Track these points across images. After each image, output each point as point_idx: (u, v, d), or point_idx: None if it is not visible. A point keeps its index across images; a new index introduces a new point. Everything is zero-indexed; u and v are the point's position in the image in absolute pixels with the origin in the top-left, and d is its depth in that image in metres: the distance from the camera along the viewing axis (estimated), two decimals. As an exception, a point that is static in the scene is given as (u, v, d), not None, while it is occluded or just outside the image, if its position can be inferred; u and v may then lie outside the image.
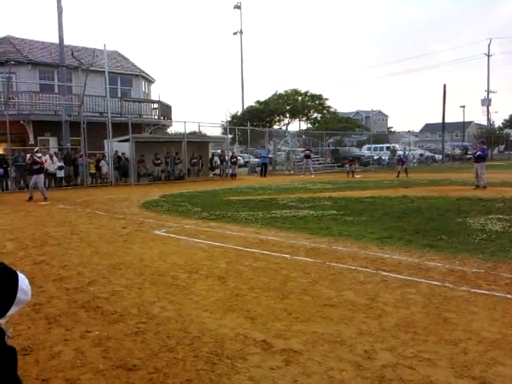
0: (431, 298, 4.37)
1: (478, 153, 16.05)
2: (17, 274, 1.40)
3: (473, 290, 4.56)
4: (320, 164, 33.15)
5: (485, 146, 16.92)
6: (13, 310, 1.40)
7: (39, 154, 15.38)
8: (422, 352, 3.23)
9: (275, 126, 43.90)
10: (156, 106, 29.51)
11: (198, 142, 26.72)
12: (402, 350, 3.28)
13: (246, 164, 34.45)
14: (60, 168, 20.31)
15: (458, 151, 49.60)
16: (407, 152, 36.13)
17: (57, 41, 22.65)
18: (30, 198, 14.63)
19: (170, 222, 9.58)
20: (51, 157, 20.38)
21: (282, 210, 10.66)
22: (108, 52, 23.76)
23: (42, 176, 15.12)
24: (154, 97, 31.96)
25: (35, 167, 14.88)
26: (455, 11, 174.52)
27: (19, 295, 1.39)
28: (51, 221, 10.15)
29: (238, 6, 44.10)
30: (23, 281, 1.42)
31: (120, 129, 22.48)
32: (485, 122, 62.12)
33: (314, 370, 3.01)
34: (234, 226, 8.83)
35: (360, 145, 44.33)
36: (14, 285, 1.37)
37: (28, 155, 16.59)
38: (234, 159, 27.06)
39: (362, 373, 2.95)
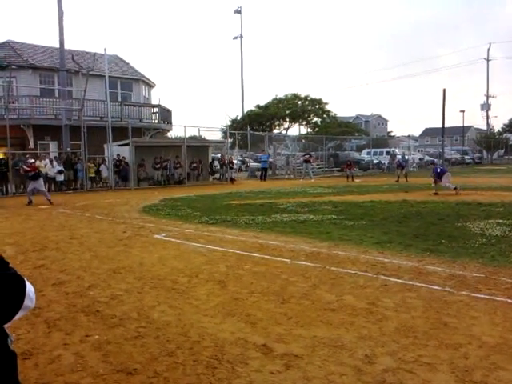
0: (431, 302, 4.37)
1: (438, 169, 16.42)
2: (24, 281, 1.42)
3: (473, 295, 4.55)
4: (319, 168, 33.19)
5: (442, 167, 18.72)
6: (17, 316, 1.42)
7: (31, 161, 15.36)
8: (423, 356, 3.22)
9: (275, 131, 44.00)
10: (156, 110, 29.56)
11: (197, 147, 26.75)
12: (403, 354, 3.27)
13: (245, 168, 34.52)
14: (60, 172, 20.32)
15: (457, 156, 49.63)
16: (407, 156, 36.15)
17: (57, 45, 22.74)
18: (30, 202, 14.63)
19: (169, 226, 9.58)
20: (51, 161, 20.39)
21: (281, 215, 10.66)
22: (108, 56, 23.77)
23: (40, 181, 15.13)
24: (154, 101, 32.02)
25: (30, 174, 15.02)
26: (458, 15, 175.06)
27: (26, 302, 1.42)
28: (51, 225, 10.15)
29: (238, 11, 44.24)
30: (30, 288, 1.45)
31: (120, 133, 22.49)
32: (484, 127, 62.30)
33: (314, 374, 3.01)
34: (233, 230, 8.83)
35: (360, 149, 44.36)
36: (22, 291, 1.41)
37: (22, 167, 16.30)
38: (231, 164, 27.17)
39: (362, 377, 2.95)
